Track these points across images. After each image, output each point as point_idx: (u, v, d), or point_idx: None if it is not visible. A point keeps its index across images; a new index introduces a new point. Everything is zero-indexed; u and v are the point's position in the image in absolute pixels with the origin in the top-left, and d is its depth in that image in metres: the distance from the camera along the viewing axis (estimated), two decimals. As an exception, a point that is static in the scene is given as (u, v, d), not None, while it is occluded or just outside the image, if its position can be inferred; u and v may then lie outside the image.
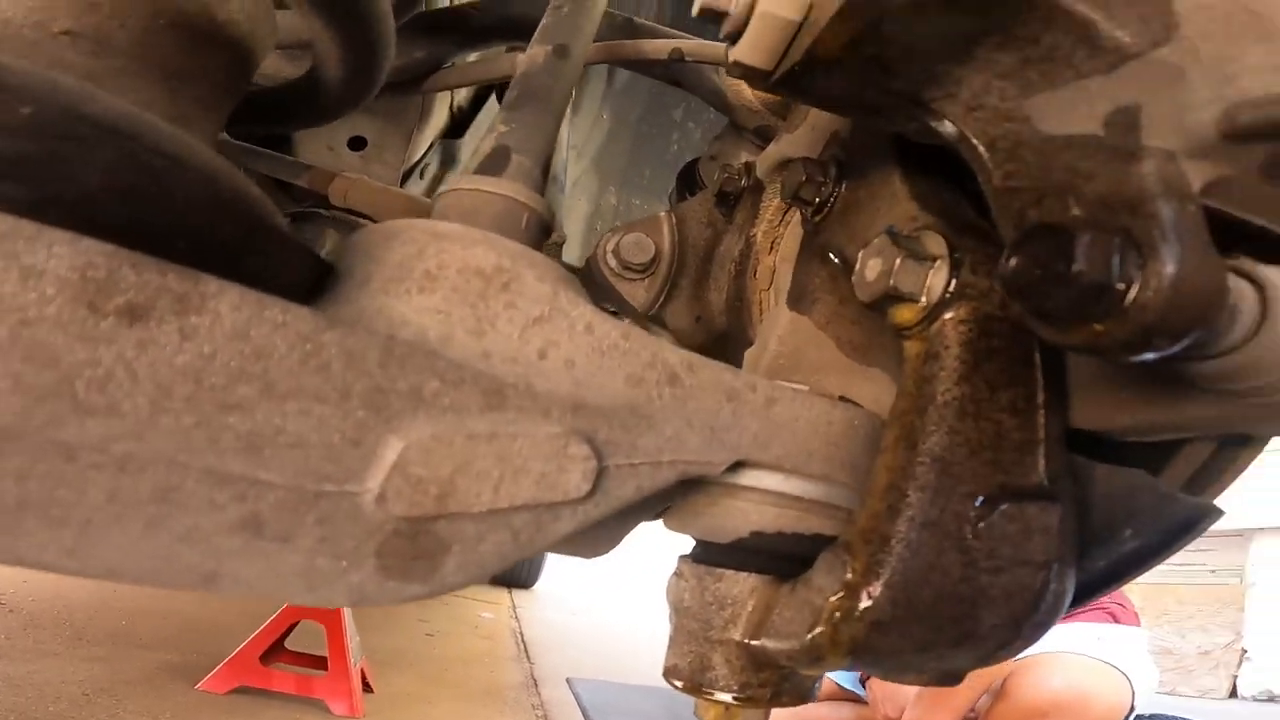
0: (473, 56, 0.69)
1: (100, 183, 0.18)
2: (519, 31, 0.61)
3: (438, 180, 0.87)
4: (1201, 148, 0.21)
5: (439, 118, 0.82)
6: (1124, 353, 0.21)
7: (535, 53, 0.41)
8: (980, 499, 0.27)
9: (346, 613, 1.73)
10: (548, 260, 0.28)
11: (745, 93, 0.57)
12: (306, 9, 0.34)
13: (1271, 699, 2.11)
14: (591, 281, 0.63)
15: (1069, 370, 0.30)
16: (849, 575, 0.29)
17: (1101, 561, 0.32)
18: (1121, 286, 0.20)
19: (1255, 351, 0.22)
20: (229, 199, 0.21)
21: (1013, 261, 0.22)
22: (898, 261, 0.30)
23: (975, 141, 0.27)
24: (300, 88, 0.43)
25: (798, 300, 0.44)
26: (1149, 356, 0.21)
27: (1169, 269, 0.20)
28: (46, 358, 0.17)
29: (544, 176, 0.36)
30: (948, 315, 0.30)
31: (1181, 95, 0.22)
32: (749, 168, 0.57)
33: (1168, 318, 0.20)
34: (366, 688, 1.83)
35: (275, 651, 1.70)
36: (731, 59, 0.30)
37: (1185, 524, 0.31)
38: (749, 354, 0.49)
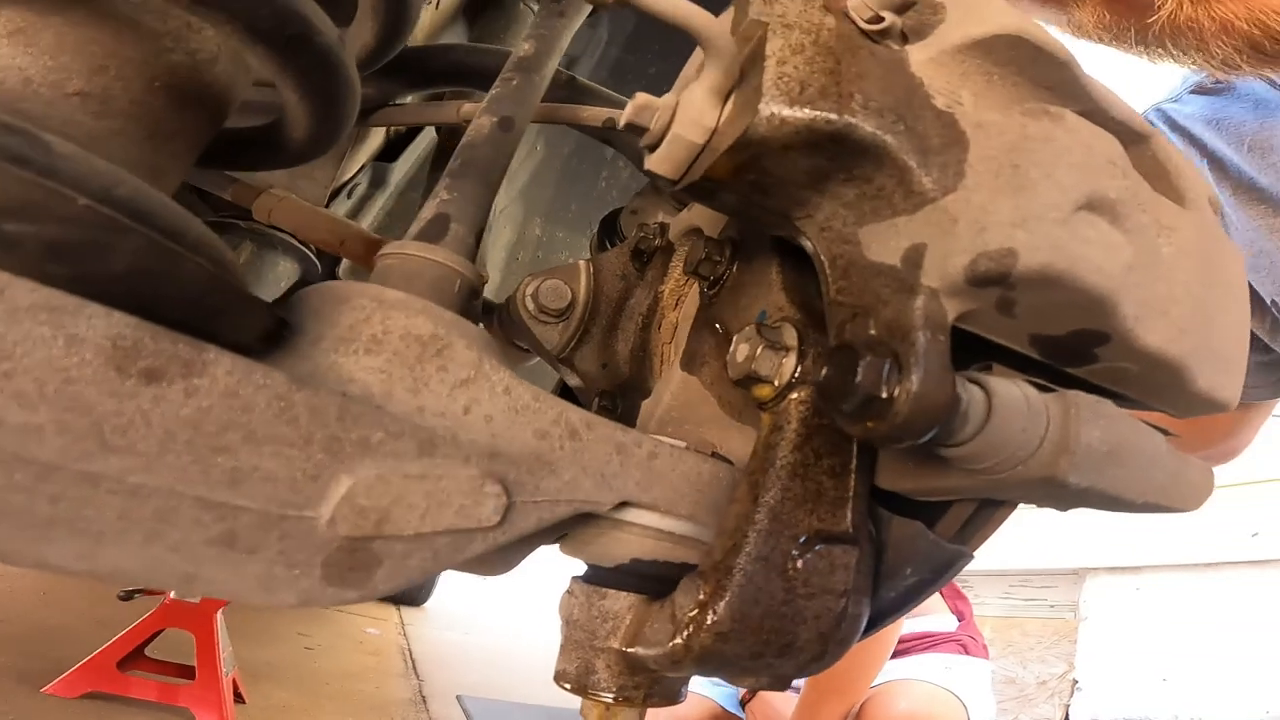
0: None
1: (127, 266, 0.24)
2: (469, 78, 0.67)
3: (365, 201, 0.92)
4: (955, 288, 0.30)
5: (374, 140, 0.87)
6: (886, 442, 0.31)
7: (482, 123, 0.48)
8: (801, 540, 0.36)
9: (219, 622, 1.69)
10: (476, 329, 0.35)
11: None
12: (264, 57, 0.40)
13: (1098, 726, 2.39)
14: (510, 321, 0.70)
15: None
16: (701, 596, 0.37)
17: (890, 594, 0.42)
18: (885, 397, 0.29)
19: (982, 442, 0.31)
20: (216, 274, 0.27)
21: (823, 371, 0.31)
22: (759, 350, 0.38)
23: (822, 257, 0.36)
24: (264, 135, 0.48)
25: (689, 362, 0.53)
26: (902, 445, 0.31)
27: (914, 387, 0.29)
28: (83, 408, 0.22)
29: (476, 246, 0.43)
30: (792, 396, 0.39)
31: (949, 242, 0.30)
32: (664, 228, 0.66)
33: (912, 420, 0.29)
34: (239, 698, 1.78)
35: (134, 659, 1.64)
36: (646, 165, 0.38)
37: (947, 564, 0.41)
38: (646, 404, 0.57)
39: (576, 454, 0.36)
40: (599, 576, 0.43)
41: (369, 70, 0.55)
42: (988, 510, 0.43)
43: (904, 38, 0.36)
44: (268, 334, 0.32)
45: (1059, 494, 0.33)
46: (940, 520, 0.42)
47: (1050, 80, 0.36)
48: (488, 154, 0.45)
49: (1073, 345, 0.33)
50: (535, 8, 0.87)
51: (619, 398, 0.66)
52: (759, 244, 0.48)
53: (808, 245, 0.36)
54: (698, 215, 0.61)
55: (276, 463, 0.27)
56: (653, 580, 0.42)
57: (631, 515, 0.40)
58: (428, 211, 0.43)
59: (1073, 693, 2.44)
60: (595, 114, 0.59)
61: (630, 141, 0.70)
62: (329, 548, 0.29)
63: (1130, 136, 0.38)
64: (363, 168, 0.89)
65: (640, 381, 0.66)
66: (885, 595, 0.41)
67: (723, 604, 0.36)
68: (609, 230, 0.81)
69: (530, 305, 0.70)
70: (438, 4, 0.78)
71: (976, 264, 0.30)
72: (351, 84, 0.42)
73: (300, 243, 0.86)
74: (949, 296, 0.30)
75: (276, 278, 0.86)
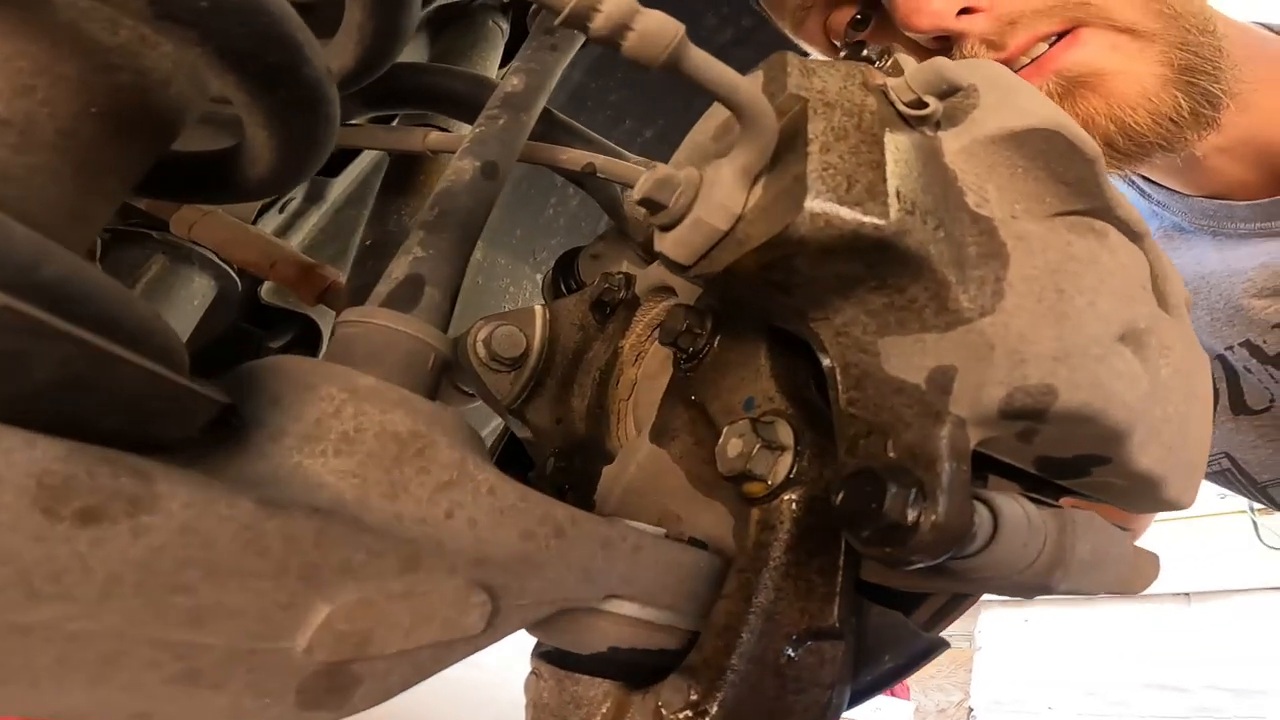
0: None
1: (51, 378, 0.20)
2: (438, 103, 0.63)
3: (297, 216, 0.85)
4: (984, 419, 0.30)
5: (312, 155, 0.81)
6: (900, 565, 0.30)
7: (463, 167, 0.45)
8: (793, 638, 0.36)
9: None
10: (459, 423, 0.32)
11: (640, 208, 0.64)
12: (234, 87, 0.35)
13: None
14: (456, 364, 0.66)
15: None
16: (693, 696, 0.36)
17: (868, 678, 0.42)
18: (909, 525, 0.28)
19: (986, 558, 0.31)
20: (156, 375, 0.23)
21: (840, 495, 0.30)
22: (755, 448, 0.37)
23: (834, 364, 0.35)
24: (213, 165, 0.43)
25: (659, 434, 0.51)
26: (915, 567, 0.30)
27: (940, 519, 0.28)
28: (4, 557, 0.18)
29: (450, 312, 0.40)
30: (785, 496, 0.38)
31: (984, 370, 0.29)
32: (629, 280, 0.64)
33: (932, 548, 0.29)
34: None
35: None
36: (657, 247, 0.36)
37: (924, 652, 0.42)
38: (609, 471, 0.55)
39: (562, 552, 0.34)
40: (571, 661, 0.41)
41: (343, 94, 0.50)
42: (956, 600, 0.43)
43: (936, 124, 0.36)
44: (214, 424, 0.28)
45: (1038, 593, 0.34)
46: (916, 609, 0.42)
47: (1072, 177, 0.36)
48: (468, 205, 0.42)
49: (1073, 465, 0.34)
50: (504, 27, 0.84)
51: (576, 458, 0.63)
52: (745, 320, 0.47)
53: (818, 349, 0.35)
54: (670, 274, 0.60)
55: (244, 597, 0.23)
56: (628, 667, 0.41)
57: (612, 605, 0.38)
58: (398, 270, 0.39)
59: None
60: (575, 158, 0.57)
61: (606, 189, 0.68)
62: (304, 674, 0.25)
63: (1131, 237, 0.39)
64: (297, 181, 0.82)
65: (597, 440, 0.64)
66: (863, 679, 0.41)
67: (715, 705, 0.35)
68: (565, 271, 0.78)
69: (481, 351, 0.66)
70: None
71: (1013, 399, 0.29)
72: (332, 121, 0.38)
73: (221, 260, 0.79)
74: (975, 426, 0.30)
75: (189, 295, 0.79)
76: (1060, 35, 0.71)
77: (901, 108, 0.35)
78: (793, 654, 0.35)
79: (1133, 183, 1.01)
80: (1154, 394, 0.32)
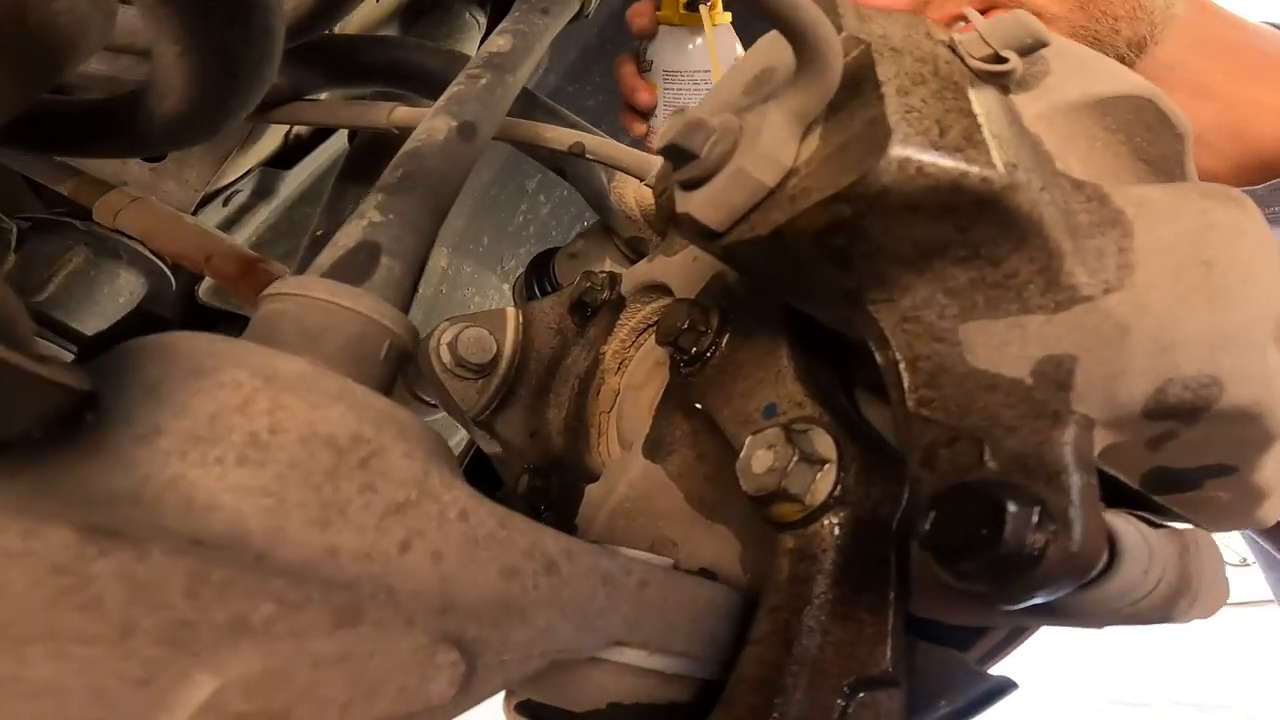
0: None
1: None
2: (406, 80, 0.54)
3: (244, 211, 0.75)
4: (1120, 420, 0.22)
5: (268, 143, 0.71)
6: (1010, 602, 0.22)
7: (436, 125, 0.36)
8: (845, 690, 0.28)
9: None
10: (419, 426, 0.23)
11: (628, 199, 0.56)
12: (164, 31, 0.26)
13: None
14: (415, 370, 0.57)
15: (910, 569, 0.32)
16: None
17: None
18: (1034, 555, 0.20)
19: (1101, 591, 0.23)
20: None
21: (933, 516, 0.22)
22: (791, 462, 0.29)
23: (898, 356, 0.26)
24: (113, 108, 0.33)
25: (654, 449, 0.43)
26: (1024, 604, 0.22)
27: (1074, 546, 0.21)
28: None
29: (413, 292, 0.31)
30: (826, 519, 0.29)
31: (1119, 359, 0.22)
32: (613, 279, 0.56)
33: (1060, 580, 0.21)
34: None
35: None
36: (682, 208, 0.28)
37: (988, 695, 0.34)
38: (593, 490, 0.46)
39: (554, 593, 0.25)
40: (557, 718, 0.32)
41: (294, 42, 0.41)
42: (1018, 631, 0.35)
43: (1006, 90, 0.29)
44: (63, 418, 0.19)
45: (1152, 624, 0.26)
46: (973, 644, 0.34)
47: (1156, 153, 0.30)
48: (439, 167, 0.33)
49: (1190, 478, 0.26)
50: (481, 20, 0.76)
51: (553, 475, 0.54)
52: (760, 315, 0.39)
53: (874, 340, 0.27)
54: (662, 269, 0.52)
55: (60, 669, 0.14)
56: None
57: (612, 654, 0.29)
58: (348, 237, 0.30)
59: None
60: (562, 135, 0.48)
61: (590, 179, 0.60)
62: None
63: None
64: (249, 172, 0.72)
65: (576, 457, 0.55)
66: None
67: None
68: (540, 273, 0.69)
69: (445, 357, 0.57)
70: None
71: (1165, 394, 0.22)
72: (271, 37, 0.29)
73: (154, 254, 0.68)
74: (1107, 428, 0.22)
75: (114, 292, 0.67)
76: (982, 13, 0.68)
77: (975, 63, 0.28)
78: (847, 708, 0.27)
79: None
80: None
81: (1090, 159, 0.30)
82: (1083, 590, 0.23)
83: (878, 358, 0.27)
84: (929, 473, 0.24)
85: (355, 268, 0.29)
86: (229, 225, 0.74)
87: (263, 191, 0.74)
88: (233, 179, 0.70)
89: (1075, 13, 0.68)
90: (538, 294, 0.67)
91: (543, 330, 0.59)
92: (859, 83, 0.25)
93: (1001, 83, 0.28)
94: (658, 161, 0.50)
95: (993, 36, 0.27)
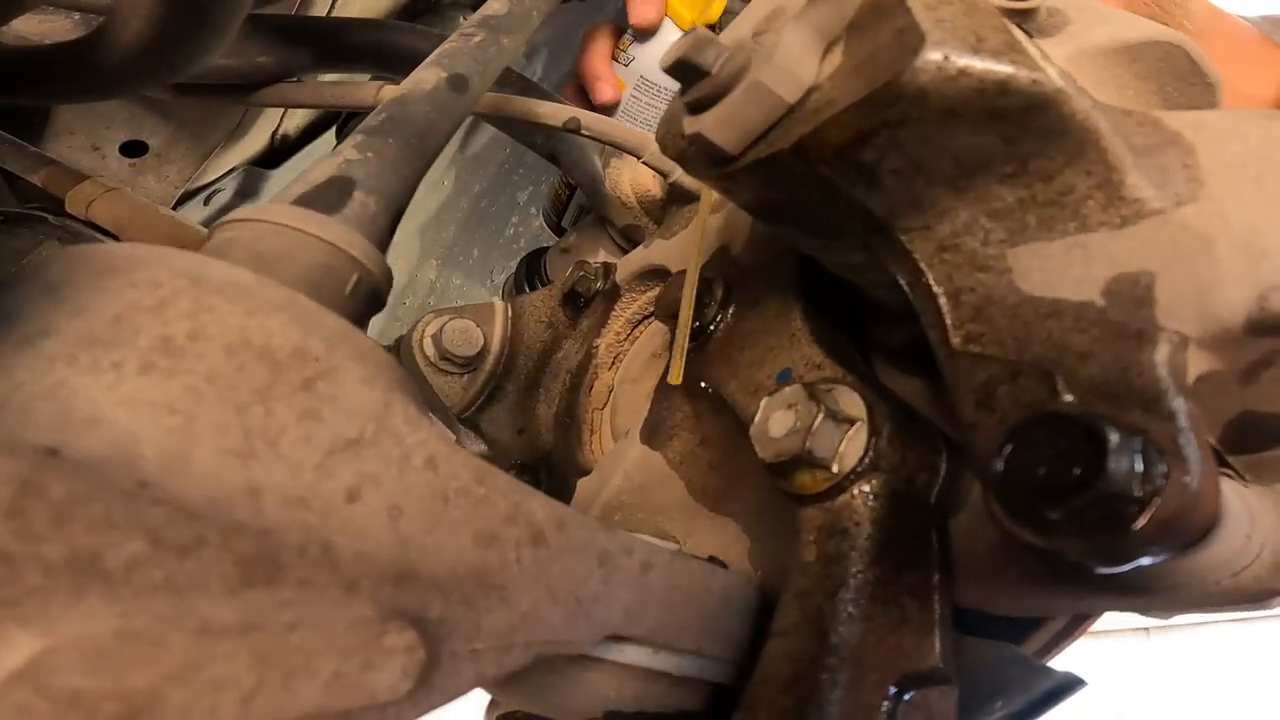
0: (330, 78, 0.57)
1: None
2: (395, 63, 0.51)
3: (225, 211, 0.70)
4: (1220, 337, 0.19)
5: (255, 141, 0.67)
6: (1109, 564, 0.17)
7: (424, 76, 0.32)
8: (891, 690, 0.23)
9: None
10: (385, 354, 0.19)
11: (623, 185, 0.52)
12: None
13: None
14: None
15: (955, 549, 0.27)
16: None
17: None
18: (1142, 498, 0.16)
19: (1196, 560, 0.19)
20: None
21: (1008, 453, 0.18)
22: (816, 420, 0.24)
23: (937, 289, 0.22)
24: (74, 50, 0.29)
25: (652, 434, 0.38)
26: (1126, 568, 0.17)
27: (1194, 481, 0.16)
28: None
29: (390, 233, 0.27)
30: (857, 488, 0.25)
31: (1208, 270, 0.19)
32: (608, 269, 0.51)
33: (1174, 533, 0.17)
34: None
35: None
36: (690, 129, 0.24)
37: (1052, 694, 0.29)
38: (585, 484, 0.41)
39: (540, 570, 0.20)
40: None
41: (260, 5, 0.37)
42: (1078, 618, 0.31)
43: (1026, 33, 0.26)
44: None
45: (1253, 606, 0.22)
46: (1028, 637, 0.30)
47: (1187, 103, 0.28)
48: (427, 113, 0.29)
49: (1273, 428, 0.22)
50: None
51: (542, 473, 0.49)
52: (768, 281, 0.35)
53: (908, 274, 0.23)
54: (660, 252, 0.48)
55: None
56: None
57: (610, 651, 0.24)
58: (320, 171, 0.26)
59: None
60: (557, 111, 0.44)
61: (584, 164, 0.56)
62: None
63: None
64: (232, 171, 0.68)
65: (566, 454, 0.50)
66: None
67: None
68: (532, 271, 0.65)
69: (429, 350, 0.52)
70: None
71: (1270, 300, 0.18)
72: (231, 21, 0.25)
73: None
74: (1204, 349, 0.18)
75: (86, 290, 0.62)
76: None
77: (1004, 2, 0.25)
78: (891, 711, 0.22)
79: None
80: None
81: (1124, 103, 0.28)
82: (1183, 557, 0.19)
83: (911, 296, 0.23)
84: (988, 415, 0.20)
85: (325, 200, 0.25)
86: (208, 225, 0.69)
87: (246, 191, 0.70)
88: (216, 177, 0.66)
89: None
90: (528, 290, 0.63)
91: (532, 324, 0.55)
92: (880, 3, 0.22)
93: (1025, 23, 0.25)
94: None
95: None
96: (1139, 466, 0.16)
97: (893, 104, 0.20)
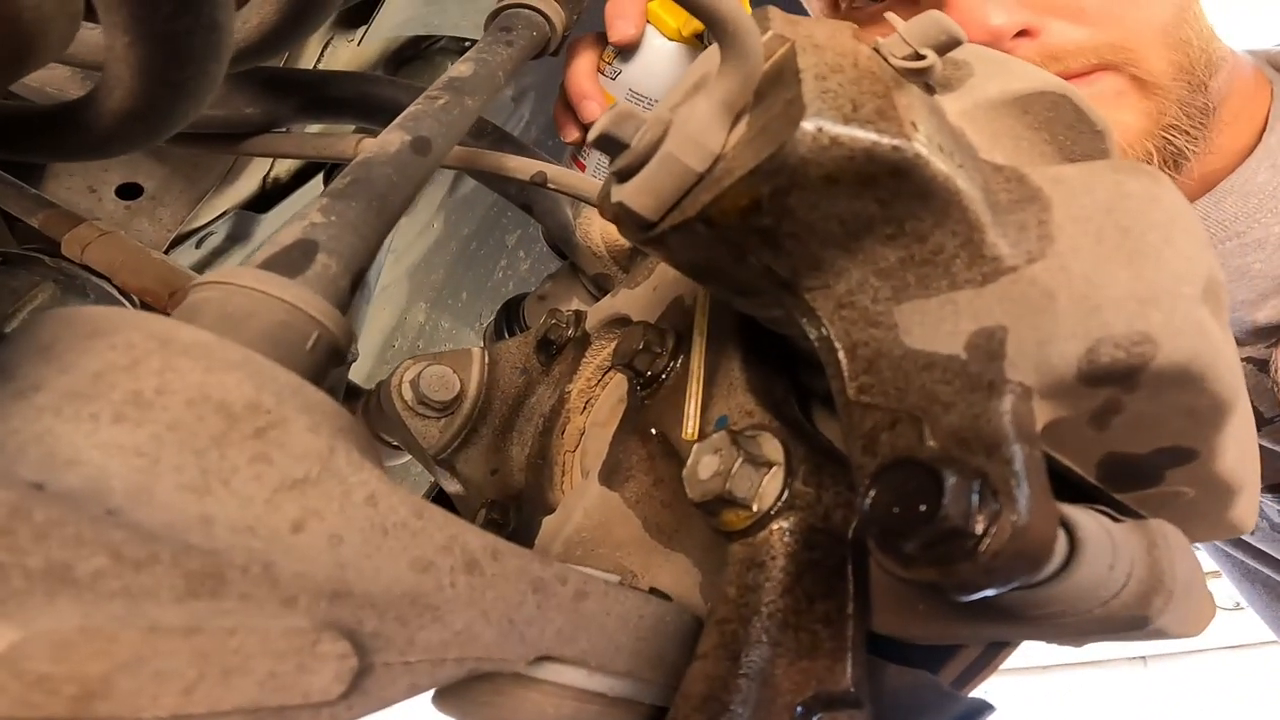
0: (314, 128, 0.61)
1: None
2: (377, 114, 0.55)
3: (217, 255, 0.74)
4: (1056, 387, 0.21)
5: (246, 185, 0.71)
6: (960, 592, 0.20)
7: (389, 139, 0.35)
8: (799, 710, 0.25)
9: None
10: (332, 405, 0.22)
11: (594, 236, 0.56)
12: (113, 20, 0.26)
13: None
14: (378, 411, 0.55)
15: (871, 581, 0.30)
16: None
17: None
18: (977, 532, 0.19)
19: (1061, 588, 0.21)
20: None
21: (872, 495, 0.21)
22: (736, 464, 0.27)
23: (837, 345, 0.25)
24: (69, 111, 0.33)
25: (610, 475, 0.41)
26: (975, 596, 0.20)
27: (1020, 518, 0.19)
28: None
29: (351, 292, 0.30)
30: (775, 525, 0.27)
31: (1048, 324, 0.22)
32: (579, 317, 0.55)
33: (1010, 564, 0.19)
34: None
35: None
36: (615, 198, 0.27)
37: (964, 717, 0.31)
38: (549, 522, 0.44)
39: (475, 594, 0.23)
40: None
41: (253, 63, 0.41)
42: (993, 650, 0.33)
43: (930, 89, 0.29)
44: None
45: (1131, 633, 0.24)
46: (945, 665, 0.32)
47: (1079, 151, 0.30)
48: (389, 176, 0.33)
49: (1146, 467, 0.25)
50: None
51: (512, 510, 0.52)
52: (714, 334, 0.38)
53: (814, 330, 0.26)
54: (625, 302, 0.51)
55: None
56: None
57: (547, 671, 0.26)
58: (287, 235, 0.29)
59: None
60: (524, 165, 0.48)
61: (555, 214, 0.60)
62: None
63: None
64: (224, 215, 0.72)
65: (537, 493, 0.53)
66: None
67: None
68: (510, 318, 0.69)
69: (408, 394, 0.55)
70: (359, 40, 0.66)
71: (1097, 354, 0.20)
72: (220, 35, 0.28)
73: (121, 292, 0.67)
74: (1045, 399, 0.21)
75: (79, 333, 0.66)
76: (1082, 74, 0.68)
77: (897, 62, 0.28)
78: None
79: None
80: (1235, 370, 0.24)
81: (1017, 155, 0.30)
82: (1044, 587, 0.21)
83: (818, 348, 0.26)
84: (870, 458, 0.22)
85: (290, 262, 0.28)
86: (201, 268, 0.73)
87: (237, 235, 0.74)
88: (207, 220, 0.70)
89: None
90: (506, 337, 0.66)
91: (508, 369, 0.58)
92: (781, 73, 0.25)
93: (924, 80, 0.29)
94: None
95: (912, 36, 0.27)
96: (974, 505, 0.19)
97: (779, 173, 0.23)
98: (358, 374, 1.02)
